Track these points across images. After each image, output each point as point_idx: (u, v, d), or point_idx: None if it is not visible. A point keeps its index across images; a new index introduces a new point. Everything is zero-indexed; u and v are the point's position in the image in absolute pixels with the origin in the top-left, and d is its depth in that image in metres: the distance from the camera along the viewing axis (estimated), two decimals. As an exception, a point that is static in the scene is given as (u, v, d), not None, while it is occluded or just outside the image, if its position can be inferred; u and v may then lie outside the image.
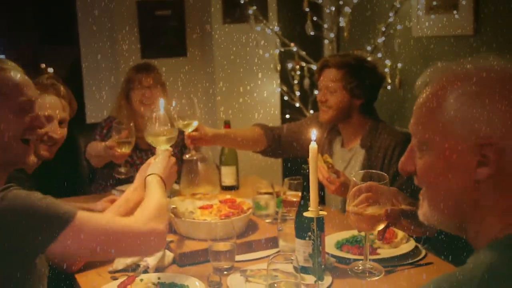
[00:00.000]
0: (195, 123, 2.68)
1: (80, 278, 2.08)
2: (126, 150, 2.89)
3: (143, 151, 3.44)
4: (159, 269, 2.12)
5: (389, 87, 4.12)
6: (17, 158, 1.71)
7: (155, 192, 1.93)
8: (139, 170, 2.20)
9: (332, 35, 4.47)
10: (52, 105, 2.47)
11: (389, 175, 2.00)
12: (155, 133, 2.23)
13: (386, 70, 4.02)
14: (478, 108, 1.08)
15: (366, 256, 1.90)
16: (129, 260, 2.11)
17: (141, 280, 1.95)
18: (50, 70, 4.77)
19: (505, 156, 1.06)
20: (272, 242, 2.28)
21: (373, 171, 1.75)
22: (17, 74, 1.70)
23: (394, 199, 1.74)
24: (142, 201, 1.93)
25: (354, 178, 1.72)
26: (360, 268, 1.93)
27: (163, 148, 2.18)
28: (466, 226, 1.15)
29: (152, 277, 2.00)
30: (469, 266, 1.04)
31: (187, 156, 2.78)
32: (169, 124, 2.28)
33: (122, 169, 3.01)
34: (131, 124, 2.93)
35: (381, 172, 1.73)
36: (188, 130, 2.71)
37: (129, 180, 3.26)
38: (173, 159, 2.13)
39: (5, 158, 1.67)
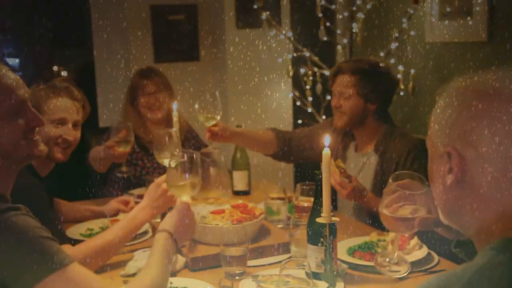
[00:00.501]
0: (218, 117, 2.74)
1: (93, 281, 2.08)
2: (125, 148, 2.90)
3: (152, 155, 3.44)
4: (171, 273, 2.11)
5: (401, 93, 4.11)
6: (24, 155, 1.64)
7: (159, 260, 1.75)
8: (147, 190, 2.23)
9: (345, 40, 4.47)
10: (65, 108, 2.48)
11: None
12: (177, 184, 2.01)
13: (399, 76, 4.01)
14: (445, 119, 1.15)
15: (394, 252, 1.85)
16: (141, 264, 2.11)
17: (153, 284, 1.95)
18: (64, 73, 4.81)
19: (467, 166, 1.12)
20: (284, 247, 2.28)
21: (415, 173, 1.69)
22: (3, 75, 1.59)
23: (431, 203, 1.69)
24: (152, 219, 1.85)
25: (390, 179, 1.67)
26: (387, 260, 1.88)
27: (184, 199, 2.00)
28: (464, 229, 1.20)
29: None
30: (461, 267, 1.07)
31: (205, 149, 2.81)
32: (193, 165, 2.02)
33: (124, 168, 3.06)
34: (129, 124, 2.95)
35: (420, 175, 1.68)
36: (210, 124, 2.74)
37: (141, 183, 3.28)
38: (191, 213, 1.98)
39: (13, 158, 1.61)
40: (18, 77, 1.64)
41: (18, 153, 1.62)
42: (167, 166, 2.05)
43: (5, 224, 1.47)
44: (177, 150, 2.39)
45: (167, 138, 2.41)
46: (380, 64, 2.91)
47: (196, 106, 2.67)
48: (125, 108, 3.56)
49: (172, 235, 1.84)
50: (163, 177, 2.14)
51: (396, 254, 1.88)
